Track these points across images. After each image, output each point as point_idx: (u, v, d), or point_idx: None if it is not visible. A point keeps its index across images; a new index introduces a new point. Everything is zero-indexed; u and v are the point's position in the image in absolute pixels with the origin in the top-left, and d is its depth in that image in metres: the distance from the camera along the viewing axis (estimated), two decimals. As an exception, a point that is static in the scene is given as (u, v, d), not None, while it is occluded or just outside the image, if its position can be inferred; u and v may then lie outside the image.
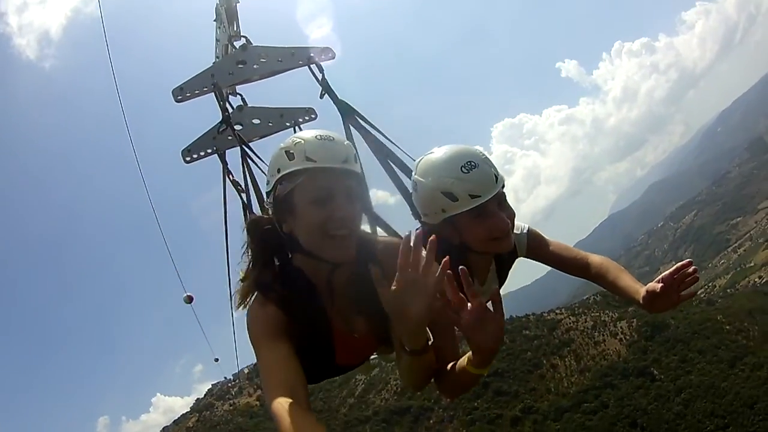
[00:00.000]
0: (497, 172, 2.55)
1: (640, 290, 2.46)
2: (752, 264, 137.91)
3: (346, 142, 2.28)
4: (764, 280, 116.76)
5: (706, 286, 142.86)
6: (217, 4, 4.98)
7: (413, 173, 2.66)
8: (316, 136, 2.19)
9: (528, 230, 2.91)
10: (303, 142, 2.17)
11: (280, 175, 2.16)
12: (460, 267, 1.98)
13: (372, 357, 3.36)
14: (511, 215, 2.59)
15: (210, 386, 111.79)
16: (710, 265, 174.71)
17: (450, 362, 2.32)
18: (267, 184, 2.28)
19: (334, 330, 2.29)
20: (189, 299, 10.47)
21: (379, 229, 3.02)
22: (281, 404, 1.87)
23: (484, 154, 2.54)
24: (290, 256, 2.28)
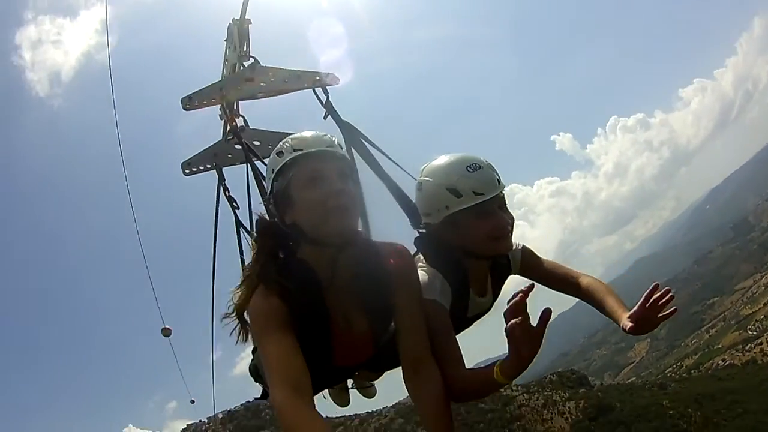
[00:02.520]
0: (500, 176, 2.64)
1: (621, 318, 2.44)
2: (720, 346, 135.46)
3: (330, 134, 2.37)
4: (726, 363, 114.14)
5: (674, 366, 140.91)
6: (230, 24, 5.05)
7: (418, 176, 2.77)
8: (299, 133, 2.34)
9: (522, 247, 2.95)
10: (289, 140, 2.31)
11: (274, 173, 2.28)
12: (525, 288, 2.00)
13: (350, 386, 3.57)
14: (512, 218, 2.66)
15: (185, 426, 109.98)
16: (683, 344, 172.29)
17: (457, 366, 2.37)
18: (266, 190, 2.40)
19: (333, 326, 2.28)
20: (167, 332, 10.00)
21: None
22: (286, 400, 1.88)
23: (488, 161, 2.64)
24: (294, 251, 2.29)
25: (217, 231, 5.02)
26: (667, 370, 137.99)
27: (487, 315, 2.98)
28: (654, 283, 2.35)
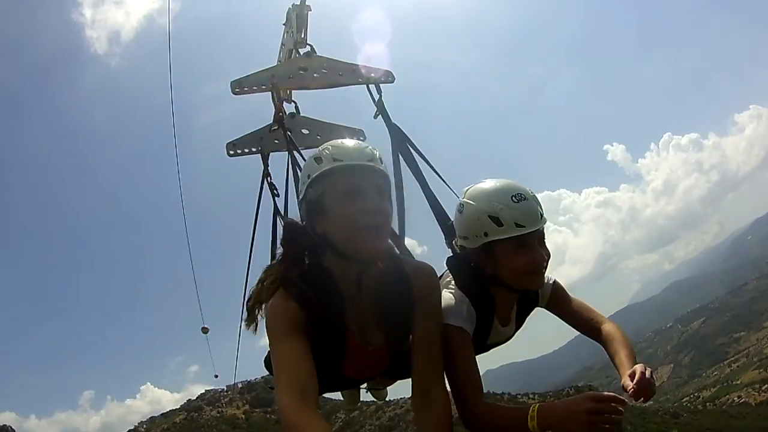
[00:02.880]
0: (542, 211, 2.59)
1: (623, 375, 2.42)
2: (738, 381, 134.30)
3: (372, 146, 2.34)
4: (741, 401, 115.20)
5: (692, 396, 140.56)
6: (289, 8, 5.10)
7: (461, 197, 2.71)
8: (341, 141, 2.34)
9: (554, 282, 2.92)
10: (330, 147, 2.28)
11: (310, 180, 2.24)
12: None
13: (362, 386, 3.44)
14: (548, 255, 2.61)
15: (204, 390, 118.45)
16: (704, 374, 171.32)
17: (476, 395, 2.40)
18: (299, 194, 2.38)
19: (348, 339, 2.30)
20: (205, 330, 10.95)
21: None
22: (291, 403, 1.88)
23: (533, 193, 2.60)
24: (320, 259, 2.30)
25: (258, 214, 4.93)
26: (684, 399, 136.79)
27: (505, 345, 2.97)
28: (636, 369, 2.34)
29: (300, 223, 2.37)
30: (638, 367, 2.36)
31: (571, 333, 3.08)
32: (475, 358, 2.54)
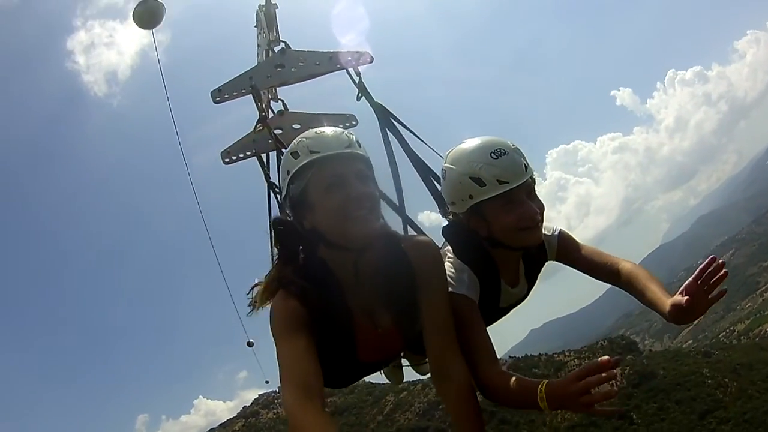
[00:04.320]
0: (527, 162, 2.48)
1: (666, 303, 2.26)
2: None
3: (347, 131, 2.29)
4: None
5: (728, 330, 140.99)
6: (257, 9, 5.10)
7: (443, 163, 2.62)
8: (315, 131, 2.25)
9: (560, 232, 2.78)
10: (304, 139, 2.21)
11: (290, 176, 2.18)
12: None
13: (404, 364, 3.52)
14: (541, 207, 2.50)
15: (257, 396, 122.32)
16: (738, 307, 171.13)
17: (489, 362, 2.32)
18: (281, 191, 2.34)
19: (355, 324, 2.26)
20: (250, 344, 10.92)
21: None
22: (295, 402, 1.87)
23: (515, 145, 2.48)
24: (314, 251, 2.25)
25: (271, 215, 4.67)
26: (721, 334, 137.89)
27: (524, 302, 2.89)
28: (710, 257, 2.14)
29: (287, 218, 2.31)
30: (696, 272, 2.17)
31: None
32: (483, 325, 2.46)
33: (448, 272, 2.50)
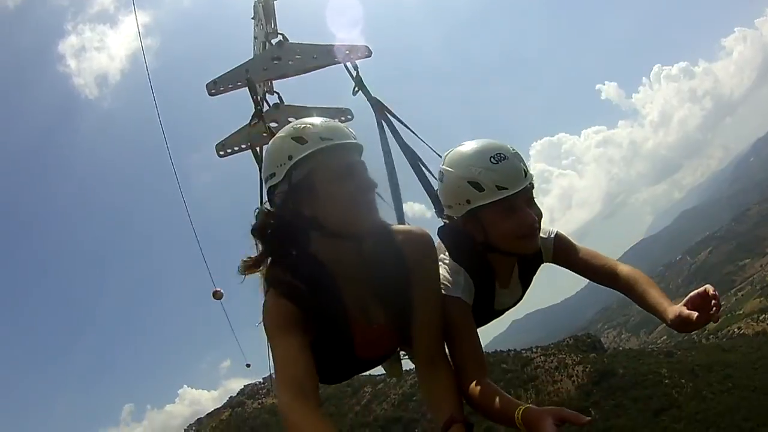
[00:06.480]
0: (527, 168, 2.41)
1: (668, 311, 2.22)
2: (741, 311, 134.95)
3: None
4: (741, 332, 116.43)
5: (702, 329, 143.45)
6: (255, 1, 5.03)
7: (441, 164, 2.55)
8: (322, 120, 2.22)
9: (555, 234, 2.71)
10: (312, 125, 2.16)
11: (293, 161, 2.11)
12: None
13: (402, 356, 3.39)
14: (539, 215, 2.44)
15: (243, 386, 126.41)
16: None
17: (476, 369, 2.25)
18: (272, 177, 2.18)
19: (350, 320, 2.23)
20: (218, 295, 9.70)
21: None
22: (289, 401, 1.86)
23: (515, 150, 2.42)
24: (305, 245, 2.20)
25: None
26: (694, 333, 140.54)
27: (518, 305, 2.87)
28: (708, 288, 2.11)
29: (272, 211, 2.23)
30: (702, 289, 2.14)
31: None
32: (475, 330, 2.42)
33: (442, 273, 2.44)
